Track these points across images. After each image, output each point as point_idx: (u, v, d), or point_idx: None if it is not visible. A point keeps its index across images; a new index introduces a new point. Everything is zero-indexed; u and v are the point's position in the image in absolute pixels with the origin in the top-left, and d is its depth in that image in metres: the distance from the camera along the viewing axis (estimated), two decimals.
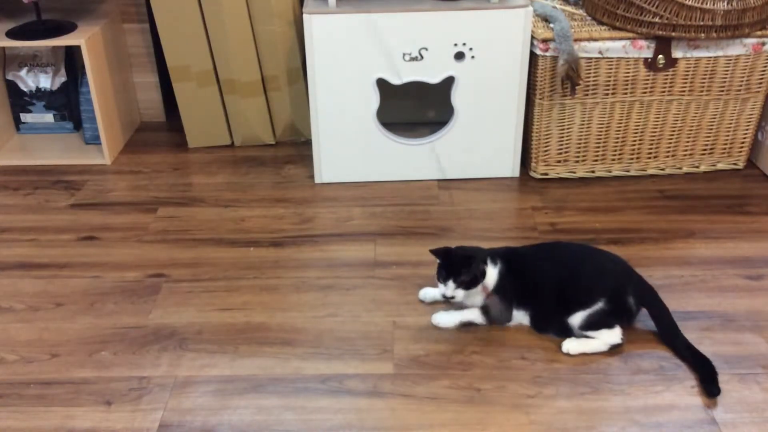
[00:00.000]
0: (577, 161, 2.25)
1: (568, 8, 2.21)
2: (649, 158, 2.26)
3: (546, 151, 2.23)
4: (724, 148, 2.26)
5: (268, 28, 2.28)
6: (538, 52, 2.09)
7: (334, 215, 2.12)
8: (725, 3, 1.97)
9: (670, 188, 2.22)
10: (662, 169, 2.28)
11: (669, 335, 1.62)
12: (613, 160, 2.25)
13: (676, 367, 1.56)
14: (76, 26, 2.32)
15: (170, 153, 2.48)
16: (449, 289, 1.62)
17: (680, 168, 2.28)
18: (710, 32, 2.00)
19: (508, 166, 2.28)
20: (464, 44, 2.09)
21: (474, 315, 1.67)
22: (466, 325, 1.67)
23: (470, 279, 1.61)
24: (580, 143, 2.22)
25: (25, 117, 2.57)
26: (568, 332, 1.62)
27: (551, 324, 1.64)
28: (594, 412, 1.46)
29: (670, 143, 2.23)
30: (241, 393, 1.52)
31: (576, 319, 1.60)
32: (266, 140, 2.50)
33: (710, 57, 2.09)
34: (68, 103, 2.56)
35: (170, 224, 2.09)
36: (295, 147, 2.50)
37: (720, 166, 2.29)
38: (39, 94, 2.53)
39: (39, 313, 1.75)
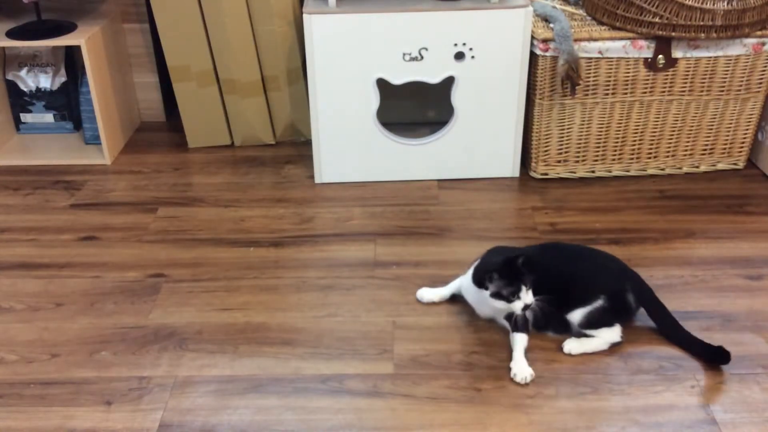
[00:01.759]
0: (577, 161, 2.25)
1: (568, 8, 2.21)
2: (649, 158, 2.26)
3: (546, 151, 2.23)
4: (724, 148, 2.26)
5: (268, 28, 2.28)
6: (538, 52, 2.09)
7: (334, 215, 2.12)
8: (725, 3, 1.97)
9: (670, 188, 2.22)
10: (662, 169, 2.28)
11: (671, 331, 1.63)
12: (613, 160, 2.25)
13: (676, 367, 1.56)
14: (76, 26, 2.32)
15: (170, 153, 2.48)
16: (529, 296, 1.53)
17: (680, 168, 2.28)
18: (710, 32, 2.00)
19: (508, 166, 2.28)
20: (464, 44, 2.09)
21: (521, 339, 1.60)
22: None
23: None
24: (580, 143, 2.22)
25: (25, 117, 2.57)
26: (567, 330, 1.62)
27: (551, 322, 1.63)
28: (594, 412, 1.46)
29: (670, 143, 2.23)
30: (241, 393, 1.52)
31: (576, 316, 1.60)
32: (266, 140, 2.50)
33: (710, 57, 2.09)
34: (68, 103, 2.56)
35: (170, 224, 2.09)
36: (295, 147, 2.50)
37: (720, 166, 2.29)
38: (39, 94, 2.53)
39: (39, 313, 1.75)
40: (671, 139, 2.23)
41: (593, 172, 2.27)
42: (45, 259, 1.94)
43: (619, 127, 2.19)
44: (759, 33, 2.06)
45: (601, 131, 2.20)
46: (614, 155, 2.25)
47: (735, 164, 2.29)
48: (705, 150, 2.26)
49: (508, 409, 1.47)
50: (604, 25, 2.10)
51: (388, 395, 1.51)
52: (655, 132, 2.21)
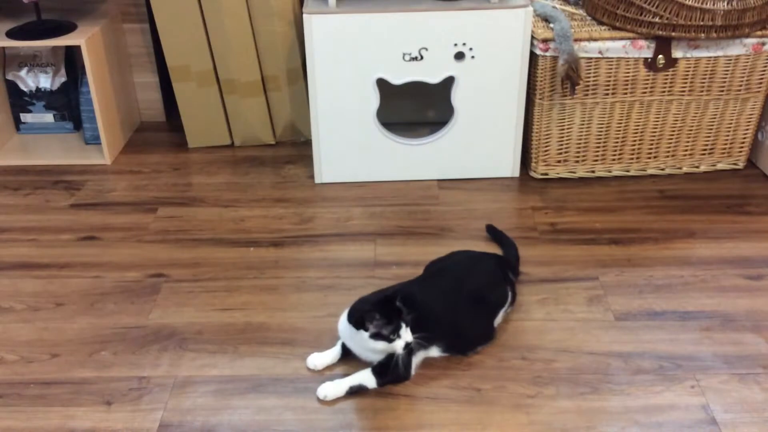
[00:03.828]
0: (577, 161, 2.25)
1: (568, 8, 2.21)
2: (649, 158, 2.26)
3: (546, 151, 2.23)
4: (724, 148, 2.26)
5: (268, 28, 2.28)
6: (538, 52, 2.09)
7: (334, 215, 2.12)
8: (725, 3, 1.97)
9: (670, 188, 2.22)
10: (662, 169, 2.28)
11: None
12: (613, 160, 2.25)
13: (676, 367, 1.56)
14: (76, 26, 2.32)
15: (170, 153, 2.48)
16: (408, 334, 1.44)
17: (680, 168, 2.28)
18: (710, 32, 2.00)
19: (508, 166, 2.28)
20: (464, 44, 2.09)
21: (364, 378, 1.50)
22: (356, 392, 1.50)
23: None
24: (580, 143, 2.22)
25: (25, 117, 2.57)
26: (492, 336, 1.63)
27: (477, 338, 1.61)
28: (594, 412, 1.46)
29: (670, 143, 2.23)
30: (241, 393, 1.52)
31: (498, 318, 1.66)
32: (266, 140, 2.50)
33: (710, 57, 2.09)
34: (68, 103, 2.56)
35: (170, 224, 2.09)
36: (295, 147, 2.50)
37: (720, 166, 2.29)
38: (39, 94, 2.53)
39: (39, 313, 1.75)
40: (671, 139, 2.23)
41: (593, 172, 2.27)
42: (45, 259, 1.94)
43: (619, 127, 2.19)
44: (759, 33, 2.06)
45: (601, 131, 2.20)
46: (614, 155, 2.25)
47: (735, 164, 2.29)
48: (705, 150, 2.26)
49: (508, 409, 1.47)
50: (604, 25, 2.10)
51: (388, 395, 1.51)
52: (655, 132, 2.21)
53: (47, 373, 1.58)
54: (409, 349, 1.48)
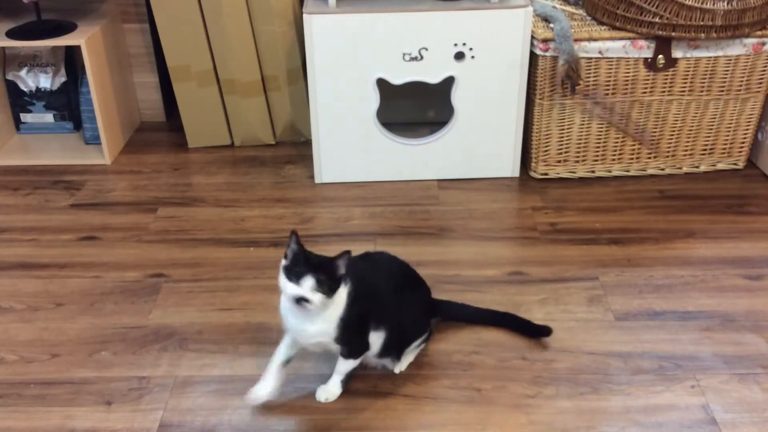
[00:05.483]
0: (577, 161, 2.25)
1: (568, 8, 2.21)
2: (649, 158, 2.26)
3: (546, 151, 2.23)
4: (724, 148, 2.26)
5: (268, 28, 2.28)
6: (538, 52, 2.09)
7: (334, 215, 2.12)
8: (725, 3, 1.97)
9: (670, 188, 2.22)
10: (662, 169, 2.28)
11: (472, 317, 1.66)
12: (613, 160, 2.25)
13: (676, 367, 1.56)
14: (76, 26, 2.32)
15: (170, 153, 2.48)
16: (305, 288, 1.31)
17: (680, 168, 2.28)
18: (710, 32, 2.00)
19: (508, 166, 2.28)
20: (464, 44, 2.09)
21: (341, 366, 1.49)
22: (349, 381, 1.51)
23: (338, 278, 1.35)
24: (580, 143, 2.22)
25: (25, 117, 2.57)
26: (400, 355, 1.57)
27: (397, 350, 1.54)
28: (594, 412, 1.46)
29: (670, 143, 2.24)
30: (241, 393, 1.51)
31: (413, 345, 1.56)
32: (266, 140, 2.50)
33: (710, 57, 2.09)
34: (68, 103, 2.56)
35: (170, 224, 2.09)
36: (295, 147, 2.50)
37: (720, 166, 2.29)
38: (39, 94, 2.53)
39: (39, 313, 1.75)
40: (671, 139, 2.23)
41: (593, 172, 2.27)
42: (45, 259, 1.94)
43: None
44: (759, 33, 2.06)
45: (601, 131, 2.20)
46: (614, 155, 2.25)
47: (735, 164, 2.29)
48: (705, 150, 2.26)
49: (508, 409, 1.47)
50: (604, 25, 2.10)
51: (388, 395, 1.51)
52: (655, 132, 2.21)
53: (47, 373, 1.58)
54: (362, 323, 1.42)
